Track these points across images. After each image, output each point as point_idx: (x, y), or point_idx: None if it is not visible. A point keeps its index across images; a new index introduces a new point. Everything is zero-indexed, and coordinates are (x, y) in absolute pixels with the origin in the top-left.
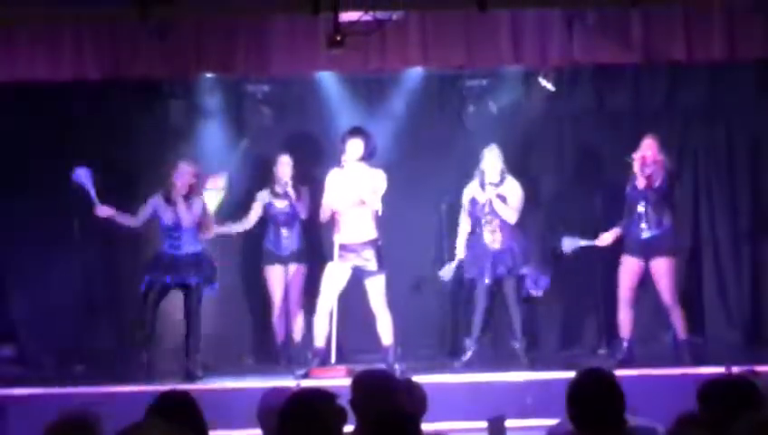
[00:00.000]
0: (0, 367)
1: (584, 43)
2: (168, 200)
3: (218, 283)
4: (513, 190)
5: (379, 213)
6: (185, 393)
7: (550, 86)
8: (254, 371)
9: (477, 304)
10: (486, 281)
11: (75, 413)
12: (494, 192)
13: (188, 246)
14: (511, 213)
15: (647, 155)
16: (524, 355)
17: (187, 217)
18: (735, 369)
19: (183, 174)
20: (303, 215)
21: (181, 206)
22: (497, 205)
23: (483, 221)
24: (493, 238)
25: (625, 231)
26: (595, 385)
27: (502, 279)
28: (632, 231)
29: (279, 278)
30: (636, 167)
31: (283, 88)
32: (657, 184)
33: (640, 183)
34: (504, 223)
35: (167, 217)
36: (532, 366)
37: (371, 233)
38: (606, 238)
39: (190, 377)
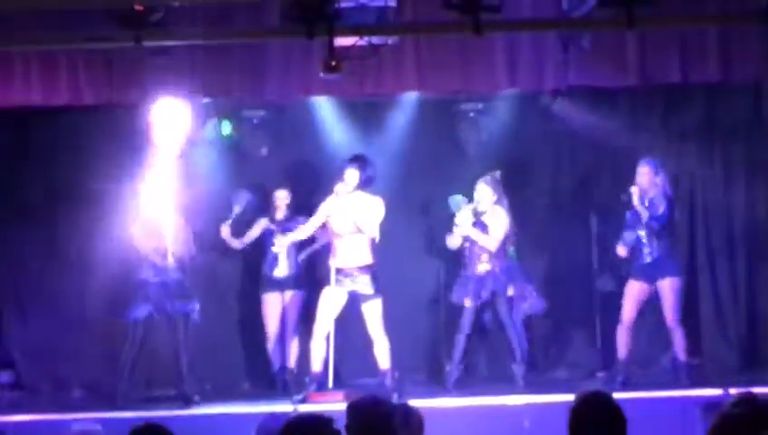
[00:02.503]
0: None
1: (580, 66)
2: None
3: (213, 306)
4: (497, 219)
5: (377, 240)
6: (159, 426)
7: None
8: (250, 396)
9: (461, 328)
10: (468, 304)
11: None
12: (469, 225)
13: (174, 274)
14: (491, 241)
15: (643, 183)
16: (522, 378)
17: (179, 245)
18: (734, 391)
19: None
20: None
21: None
22: (475, 235)
23: (469, 246)
24: (478, 263)
25: (629, 257)
26: (598, 409)
27: (490, 302)
28: (636, 257)
29: (276, 305)
30: (635, 199)
31: (279, 113)
32: (659, 212)
33: (643, 214)
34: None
35: (158, 242)
36: (529, 389)
37: (367, 258)
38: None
39: (187, 402)
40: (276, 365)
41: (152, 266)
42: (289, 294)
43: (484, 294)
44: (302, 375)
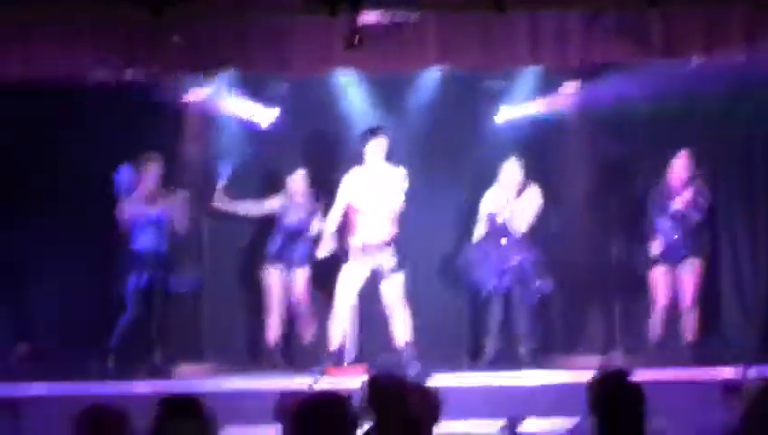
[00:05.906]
0: (16, 364)
1: (603, 43)
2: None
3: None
4: (531, 200)
5: (400, 210)
6: (190, 397)
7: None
8: (270, 371)
9: (492, 309)
10: (493, 283)
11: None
12: (511, 209)
13: (163, 245)
14: (522, 223)
15: (681, 175)
16: (531, 361)
17: (179, 215)
18: (753, 371)
19: (154, 172)
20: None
21: (167, 203)
22: (514, 221)
23: (498, 232)
24: (505, 248)
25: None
26: (617, 386)
27: (510, 289)
28: (665, 244)
29: (276, 279)
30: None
31: (301, 88)
32: (702, 206)
33: (677, 204)
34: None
35: (156, 213)
36: (545, 367)
37: (389, 233)
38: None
39: (158, 373)
40: (271, 340)
41: (143, 237)
42: (293, 272)
43: (507, 281)
44: (320, 352)
